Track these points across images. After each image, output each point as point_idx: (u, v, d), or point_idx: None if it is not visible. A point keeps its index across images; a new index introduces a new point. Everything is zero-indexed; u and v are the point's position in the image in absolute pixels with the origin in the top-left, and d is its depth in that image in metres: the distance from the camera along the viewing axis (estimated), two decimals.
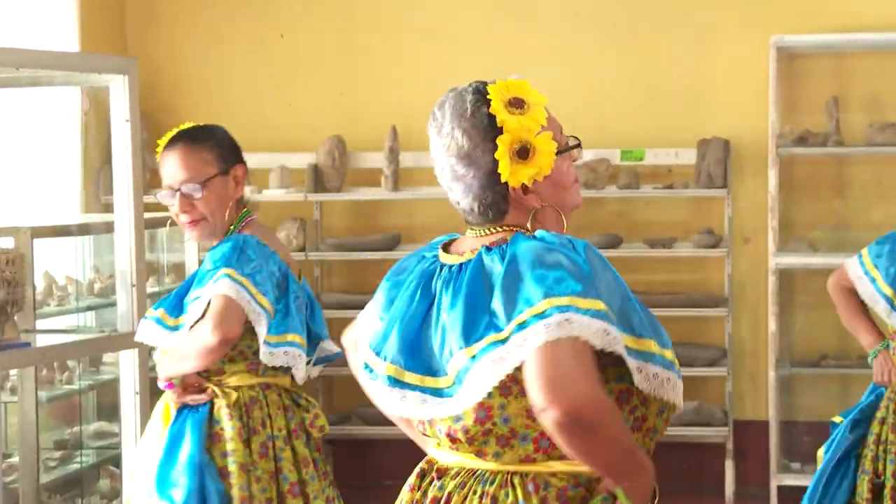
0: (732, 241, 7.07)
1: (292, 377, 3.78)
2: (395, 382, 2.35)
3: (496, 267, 2.28)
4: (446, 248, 2.51)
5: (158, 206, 4.11)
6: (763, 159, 6.95)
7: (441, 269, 2.42)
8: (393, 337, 2.37)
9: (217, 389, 3.67)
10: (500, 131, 2.34)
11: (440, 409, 2.30)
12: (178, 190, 3.64)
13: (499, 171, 2.33)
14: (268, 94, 7.55)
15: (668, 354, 2.27)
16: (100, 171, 6.93)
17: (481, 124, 2.36)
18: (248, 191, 7.33)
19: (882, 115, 7.01)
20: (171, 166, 3.67)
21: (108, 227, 5.40)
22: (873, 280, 4.50)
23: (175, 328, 3.64)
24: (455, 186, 2.42)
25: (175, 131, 3.76)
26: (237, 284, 3.53)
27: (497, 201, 2.38)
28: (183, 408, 3.67)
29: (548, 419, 2.11)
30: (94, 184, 6.98)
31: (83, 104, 6.70)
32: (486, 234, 2.42)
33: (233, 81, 7.57)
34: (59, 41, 6.74)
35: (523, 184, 2.36)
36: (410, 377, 2.33)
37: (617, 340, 2.17)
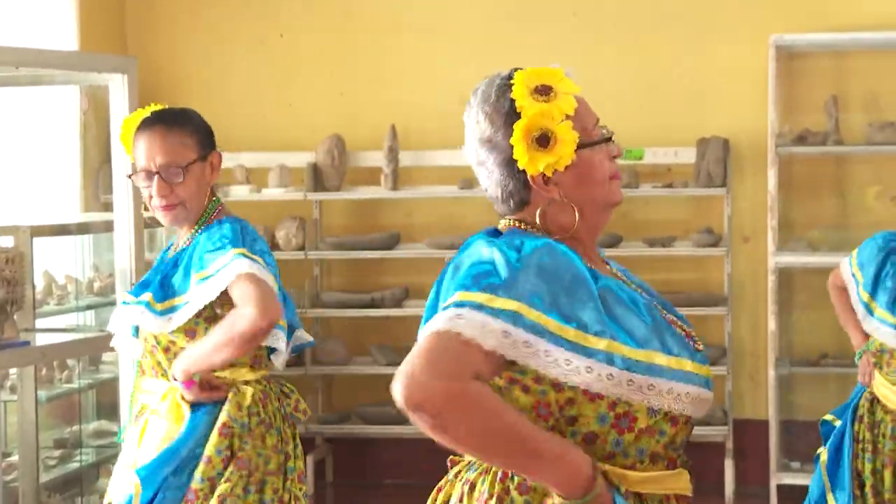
0: (732, 241, 7.07)
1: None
2: None
3: (456, 257, 2.33)
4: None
5: None
6: (762, 158, 6.95)
7: None
8: None
9: (234, 386, 3.60)
10: (519, 116, 2.32)
11: None
12: (157, 173, 3.53)
13: (514, 156, 2.31)
14: (267, 93, 7.56)
15: (673, 363, 2.25)
16: (99, 170, 6.93)
17: (503, 108, 2.35)
18: (247, 189, 7.35)
19: (881, 114, 7.01)
20: (150, 149, 3.55)
21: (108, 226, 5.41)
22: (857, 283, 4.51)
23: (163, 312, 3.52)
24: (480, 172, 2.40)
25: (146, 112, 3.67)
26: (255, 263, 3.42)
27: (518, 189, 2.36)
28: (197, 406, 3.55)
29: (397, 403, 2.19)
30: (93, 183, 6.98)
31: (82, 103, 6.70)
32: (506, 223, 2.40)
33: (232, 81, 7.58)
34: (58, 40, 6.75)
35: (543, 173, 2.33)
36: None
37: (517, 345, 2.15)
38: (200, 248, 3.53)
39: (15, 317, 4.68)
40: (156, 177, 3.53)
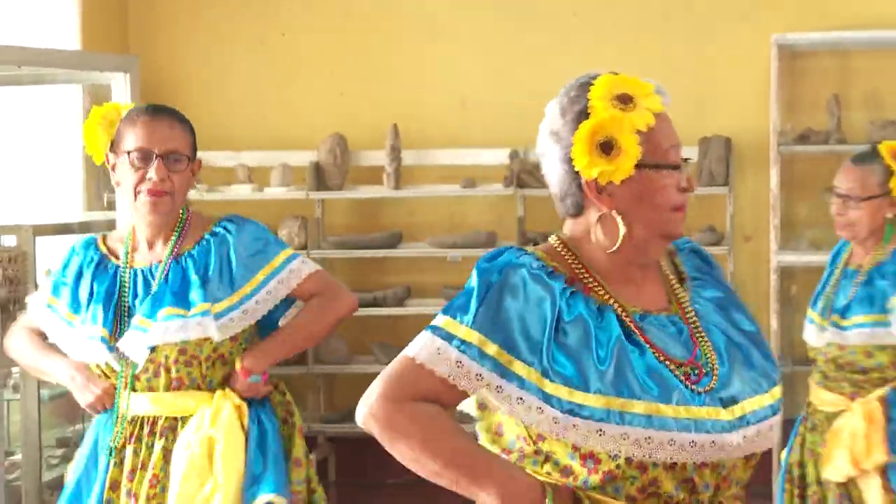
0: (734, 239, 7.07)
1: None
2: None
3: None
4: None
5: None
6: (764, 157, 6.95)
7: None
8: None
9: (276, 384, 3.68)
10: (587, 117, 2.25)
11: None
12: (159, 156, 3.44)
13: (572, 154, 2.24)
14: (269, 92, 7.56)
15: (669, 411, 2.16)
16: (102, 168, 6.92)
17: (577, 105, 2.28)
18: (249, 188, 7.35)
19: (883, 112, 7.01)
20: (153, 132, 3.46)
21: (111, 225, 5.41)
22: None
23: (195, 315, 3.46)
24: (544, 167, 2.34)
25: (142, 105, 3.62)
26: (306, 259, 3.63)
27: (574, 192, 2.29)
28: (249, 402, 3.55)
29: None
30: (95, 182, 6.98)
31: (85, 102, 6.70)
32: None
33: (234, 80, 7.58)
34: (60, 40, 6.75)
35: (597, 181, 2.24)
36: None
37: (469, 376, 2.17)
38: (241, 251, 3.50)
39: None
40: (157, 159, 3.43)
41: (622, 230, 2.25)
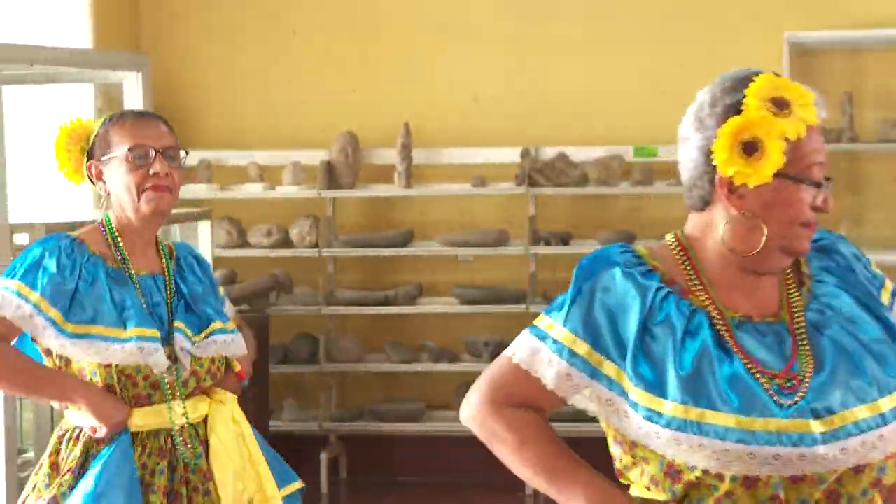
0: None
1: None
2: None
3: None
4: None
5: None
6: None
7: None
8: None
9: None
10: (738, 113, 2.16)
11: None
12: (158, 151, 3.34)
13: (713, 147, 2.15)
14: (280, 91, 7.56)
15: (750, 423, 2.09)
16: None
17: (730, 98, 2.18)
18: (261, 187, 7.36)
19: (895, 110, 7.00)
20: (150, 129, 3.37)
21: None
22: None
23: (235, 332, 3.50)
24: (680, 151, 2.25)
25: (119, 111, 3.50)
26: None
27: (704, 185, 2.21)
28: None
29: None
30: None
31: (97, 101, 6.72)
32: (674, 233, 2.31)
33: (245, 79, 7.59)
34: (72, 39, 6.76)
35: (731, 180, 2.16)
36: None
37: (560, 376, 2.17)
38: (212, 279, 3.54)
39: None
40: (158, 154, 3.34)
41: (764, 236, 2.16)
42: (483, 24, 7.42)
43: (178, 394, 3.32)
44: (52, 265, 3.27)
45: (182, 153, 3.43)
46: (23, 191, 6.34)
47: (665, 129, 7.16)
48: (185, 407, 3.33)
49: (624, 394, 2.13)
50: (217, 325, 3.43)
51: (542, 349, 2.18)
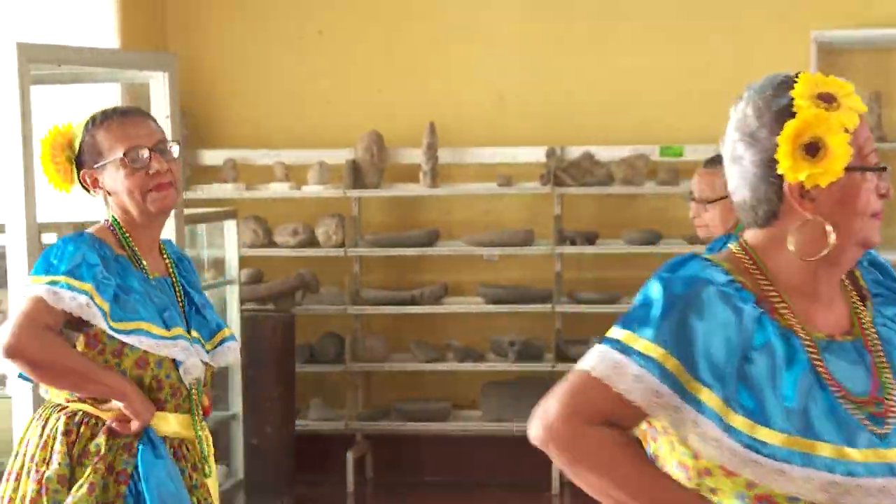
0: None
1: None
2: None
3: None
4: None
5: (200, 202, 4.10)
6: None
7: None
8: None
9: None
10: (792, 116, 2.10)
11: None
12: (151, 149, 3.27)
13: (776, 156, 2.09)
14: (306, 90, 7.57)
15: (856, 454, 2.04)
16: None
17: (776, 105, 2.12)
18: (286, 186, 7.37)
19: None
20: (137, 127, 3.30)
21: None
22: None
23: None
24: (732, 172, 2.16)
25: (97, 112, 3.40)
26: None
27: (770, 198, 2.12)
28: None
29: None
30: None
31: (123, 101, 6.73)
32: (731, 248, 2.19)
33: (272, 78, 7.60)
34: (99, 38, 6.78)
35: (801, 185, 2.09)
36: None
37: (647, 393, 2.03)
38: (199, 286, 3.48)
39: None
40: (152, 153, 3.27)
41: (832, 236, 2.10)
42: (508, 24, 7.41)
43: (196, 405, 3.33)
44: (93, 259, 3.23)
45: (174, 144, 3.36)
46: (50, 190, 6.36)
47: (691, 128, 7.18)
48: (197, 420, 3.33)
49: (715, 418, 2.03)
50: (227, 331, 3.42)
51: (627, 363, 2.04)
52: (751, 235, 2.19)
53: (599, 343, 2.09)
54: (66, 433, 3.23)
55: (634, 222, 7.24)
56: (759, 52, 7.12)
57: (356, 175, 7.28)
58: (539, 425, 2.09)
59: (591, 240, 7.16)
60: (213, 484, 3.40)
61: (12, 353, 3.18)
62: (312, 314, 7.29)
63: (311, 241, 7.32)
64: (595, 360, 2.07)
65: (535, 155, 7.19)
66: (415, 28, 7.51)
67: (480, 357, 7.21)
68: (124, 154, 3.27)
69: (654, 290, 2.09)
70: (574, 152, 7.17)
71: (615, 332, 2.09)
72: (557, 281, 7.17)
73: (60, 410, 3.28)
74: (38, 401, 4.34)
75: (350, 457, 7.16)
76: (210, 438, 3.40)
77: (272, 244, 7.35)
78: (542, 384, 7.17)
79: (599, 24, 7.33)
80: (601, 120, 7.31)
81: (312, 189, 7.32)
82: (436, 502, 7.11)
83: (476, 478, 7.24)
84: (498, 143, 7.33)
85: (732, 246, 2.19)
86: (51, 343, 3.18)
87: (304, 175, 7.37)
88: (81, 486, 3.17)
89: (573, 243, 7.14)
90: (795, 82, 2.13)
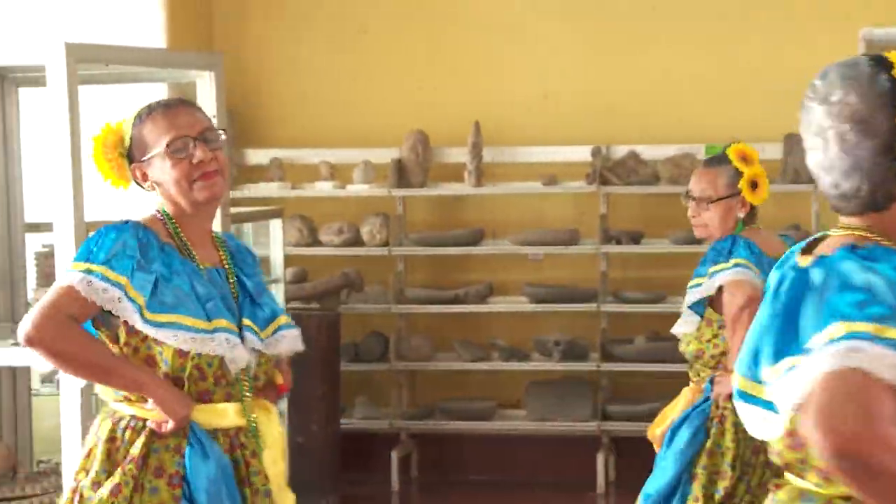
0: None
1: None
2: (742, 395, 2.22)
3: (816, 278, 2.09)
4: (813, 245, 2.25)
5: (246, 201, 4.10)
6: None
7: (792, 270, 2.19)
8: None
9: None
10: None
11: (764, 428, 2.18)
12: (195, 139, 3.26)
13: None
14: (351, 89, 7.59)
15: None
16: None
17: (881, 89, 2.13)
18: (331, 185, 7.38)
19: None
20: (180, 117, 3.30)
21: None
22: None
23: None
24: (838, 164, 2.15)
25: (143, 107, 3.40)
26: None
27: (887, 181, 2.12)
28: None
29: (821, 456, 1.98)
30: None
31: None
32: (849, 232, 2.18)
33: (317, 78, 7.62)
34: (146, 38, 6.83)
35: None
36: (753, 388, 2.19)
37: None
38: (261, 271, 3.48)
39: None
40: (196, 142, 3.26)
41: None
42: (553, 22, 7.40)
43: (247, 392, 3.29)
44: (135, 251, 3.22)
45: (220, 132, 3.35)
46: (95, 190, 6.41)
47: (737, 127, 7.14)
48: (248, 406, 3.30)
49: None
50: (283, 319, 3.37)
51: (883, 352, 1.96)
52: (857, 221, 2.18)
53: (844, 340, 1.98)
54: (110, 440, 3.23)
55: (680, 222, 7.18)
56: (806, 51, 7.07)
57: (401, 174, 7.29)
58: (840, 441, 1.95)
59: (636, 239, 7.14)
60: (276, 468, 3.38)
61: (32, 341, 3.15)
62: (357, 313, 7.30)
63: (356, 241, 7.34)
64: (853, 358, 1.97)
65: (580, 154, 7.17)
66: (460, 27, 7.51)
67: (525, 356, 7.21)
68: (168, 144, 3.27)
69: (866, 278, 2.03)
70: (619, 151, 7.15)
71: (856, 325, 1.99)
72: (602, 280, 7.15)
73: (111, 416, 3.27)
74: (87, 398, 4.37)
75: (395, 456, 7.17)
76: (275, 417, 3.37)
77: (317, 243, 7.37)
78: (587, 384, 7.21)
79: (645, 22, 7.31)
80: (646, 119, 7.28)
81: (357, 188, 7.34)
82: (480, 501, 7.11)
83: (520, 477, 7.23)
84: (543, 142, 7.32)
85: (844, 230, 2.17)
86: (72, 334, 3.15)
87: (349, 174, 7.39)
88: (105, 487, 3.16)
89: (618, 242, 7.12)
90: (884, 63, 2.14)
